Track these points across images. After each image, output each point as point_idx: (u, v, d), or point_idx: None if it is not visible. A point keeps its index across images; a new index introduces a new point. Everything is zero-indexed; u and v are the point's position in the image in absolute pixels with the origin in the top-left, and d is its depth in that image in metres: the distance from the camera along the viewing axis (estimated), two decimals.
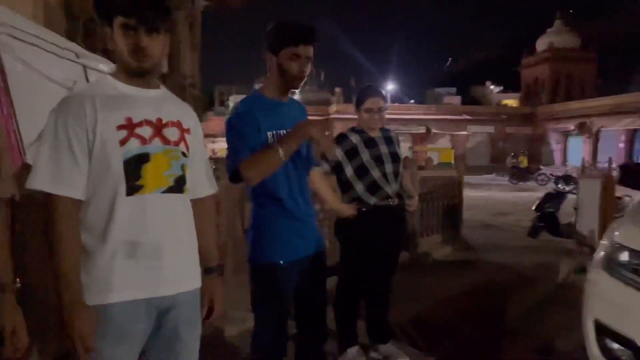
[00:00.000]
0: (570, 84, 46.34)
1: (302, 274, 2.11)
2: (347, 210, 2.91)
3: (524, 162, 24.97)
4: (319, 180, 2.69)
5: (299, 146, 1.99)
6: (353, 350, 3.15)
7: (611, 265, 2.51)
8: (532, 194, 15.24)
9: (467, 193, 15.91)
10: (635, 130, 31.84)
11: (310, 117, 2.22)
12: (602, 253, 2.64)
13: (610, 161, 14.87)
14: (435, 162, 29.30)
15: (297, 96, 4.40)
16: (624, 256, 2.47)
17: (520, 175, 23.82)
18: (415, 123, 36.35)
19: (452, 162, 30.01)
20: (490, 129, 39.37)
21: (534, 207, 7.85)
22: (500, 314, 4.23)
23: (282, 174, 1.99)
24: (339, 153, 2.96)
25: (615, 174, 4.84)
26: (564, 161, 35.60)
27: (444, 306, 4.15)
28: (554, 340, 3.99)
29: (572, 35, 46.86)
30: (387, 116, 3.18)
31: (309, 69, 2.03)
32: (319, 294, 2.22)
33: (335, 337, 3.14)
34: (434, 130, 37.28)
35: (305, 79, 2.06)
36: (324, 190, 2.77)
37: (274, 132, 2.00)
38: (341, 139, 3.05)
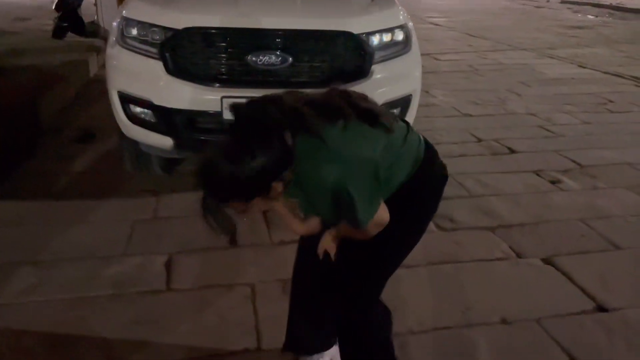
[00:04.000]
0: None
1: None
2: None
3: None
4: None
5: None
6: None
7: (124, 39, 2.77)
8: None
9: None
10: None
11: None
12: (116, 31, 2.85)
13: None
14: None
15: None
16: (134, 30, 2.74)
17: None
18: None
19: None
20: None
21: (54, 7, 7.40)
22: (35, 115, 4.15)
23: None
24: None
25: None
26: None
27: None
28: (91, 126, 4.27)
29: None
30: None
31: None
32: None
33: None
34: None
35: None
36: None
37: None
38: None
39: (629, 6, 15.90)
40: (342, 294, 1.55)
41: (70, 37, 7.22)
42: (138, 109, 2.76)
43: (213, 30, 2.60)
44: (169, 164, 3.34)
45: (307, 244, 1.66)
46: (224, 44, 2.61)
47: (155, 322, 2.11)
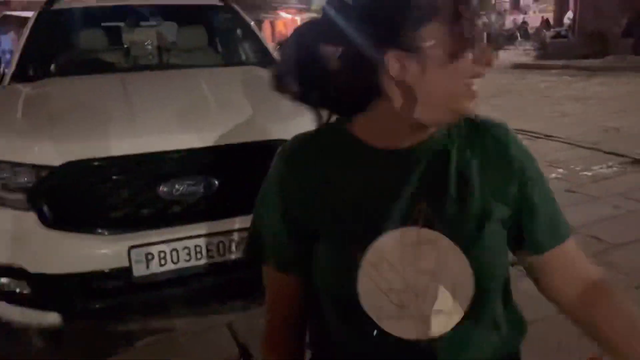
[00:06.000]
0: None
1: None
2: None
3: None
4: None
5: None
6: None
7: None
8: None
9: None
10: None
11: None
12: None
13: None
14: None
15: None
16: None
17: None
18: None
19: None
20: None
21: None
22: None
23: None
24: None
25: None
26: None
27: None
28: None
29: None
30: None
31: None
32: None
33: None
34: None
35: None
36: None
37: None
38: None
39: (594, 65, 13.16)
40: None
41: None
42: (4, 280, 1.93)
43: (107, 161, 1.90)
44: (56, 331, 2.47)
45: None
46: (125, 177, 1.92)
47: None
